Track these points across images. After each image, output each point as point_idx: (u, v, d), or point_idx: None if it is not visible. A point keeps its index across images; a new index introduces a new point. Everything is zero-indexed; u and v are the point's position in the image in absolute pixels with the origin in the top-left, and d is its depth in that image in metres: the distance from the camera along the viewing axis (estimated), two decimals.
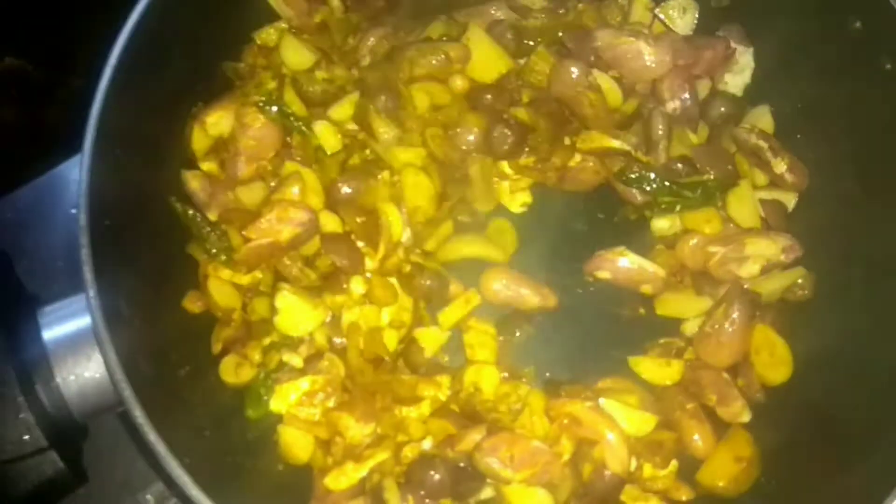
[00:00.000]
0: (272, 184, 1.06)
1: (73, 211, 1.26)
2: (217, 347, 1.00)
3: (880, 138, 1.01)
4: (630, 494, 0.97)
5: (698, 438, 0.99)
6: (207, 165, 1.06)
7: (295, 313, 1.00)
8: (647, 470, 0.99)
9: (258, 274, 1.04)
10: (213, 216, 1.04)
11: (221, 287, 1.02)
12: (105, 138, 0.88)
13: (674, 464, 0.99)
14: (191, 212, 1.02)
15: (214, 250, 1.02)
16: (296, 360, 1.00)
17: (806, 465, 0.96)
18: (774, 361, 1.02)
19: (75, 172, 1.28)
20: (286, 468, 0.97)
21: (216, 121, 1.06)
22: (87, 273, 0.82)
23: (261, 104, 1.05)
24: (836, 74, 1.05)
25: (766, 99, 1.15)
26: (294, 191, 1.02)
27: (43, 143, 1.37)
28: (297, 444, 0.97)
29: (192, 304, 1.01)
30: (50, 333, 0.87)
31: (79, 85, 1.44)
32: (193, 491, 0.76)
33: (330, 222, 1.04)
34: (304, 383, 0.97)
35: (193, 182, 1.04)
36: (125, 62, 0.90)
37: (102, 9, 1.25)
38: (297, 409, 0.97)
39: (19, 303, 0.89)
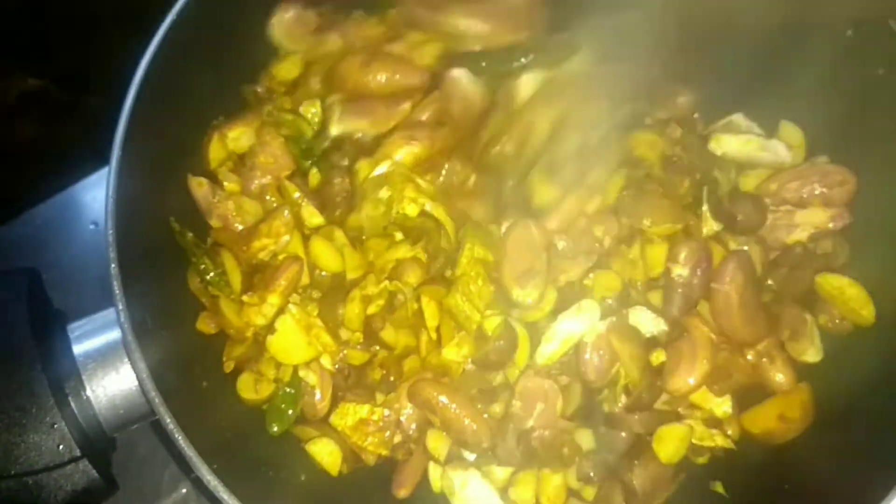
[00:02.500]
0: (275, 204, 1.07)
1: (92, 226, 1.31)
2: (229, 366, 1.01)
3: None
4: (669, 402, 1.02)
5: (781, 377, 1.02)
6: (230, 185, 1.08)
7: (289, 340, 0.99)
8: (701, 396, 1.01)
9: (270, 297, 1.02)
10: (214, 223, 1.05)
11: (232, 306, 1.01)
12: (130, 155, 0.91)
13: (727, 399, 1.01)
14: (190, 235, 1.03)
15: (209, 276, 1.02)
16: (311, 377, 1.01)
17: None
18: (852, 304, 1.02)
19: (93, 189, 1.34)
20: (308, 478, 1.00)
21: (237, 136, 1.08)
22: (117, 287, 0.85)
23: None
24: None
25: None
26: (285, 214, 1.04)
27: (61, 161, 1.41)
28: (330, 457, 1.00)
29: (205, 325, 1.01)
30: (80, 347, 0.90)
31: (96, 104, 1.48)
32: (224, 495, 0.79)
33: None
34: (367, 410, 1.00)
35: (198, 188, 1.05)
36: (151, 80, 0.93)
37: (119, 31, 1.30)
38: (353, 430, 1.00)
39: (50, 318, 0.92)
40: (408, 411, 1.02)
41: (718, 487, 1.02)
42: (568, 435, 1.01)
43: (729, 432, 1.02)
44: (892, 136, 1.02)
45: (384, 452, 1.01)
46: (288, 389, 1.01)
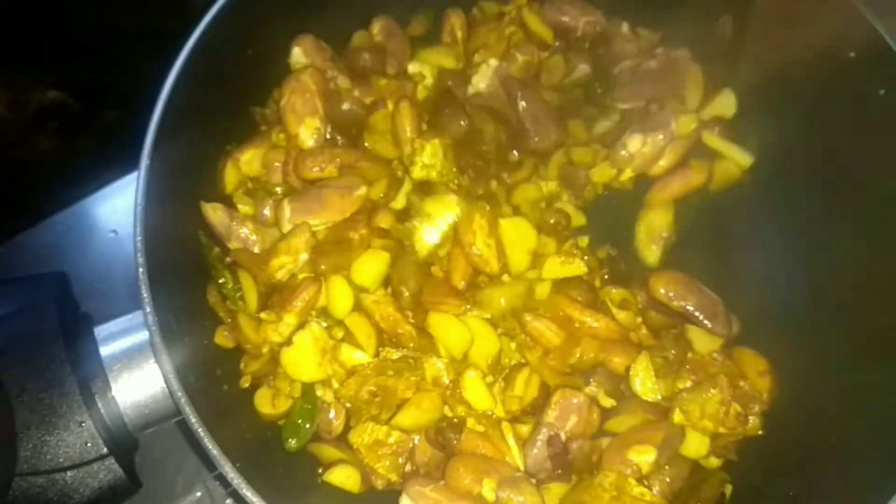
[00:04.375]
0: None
1: (111, 234, 1.34)
2: (246, 381, 1.03)
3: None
4: None
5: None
6: (244, 209, 1.11)
7: (302, 356, 1.01)
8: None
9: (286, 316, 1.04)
10: (232, 245, 1.08)
11: (250, 322, 1.03)
12: (158, 163, 0.94)
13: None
14: (216, 249, 1.06)
15: (228, 290, 1.04)
16: (328, 394, 1.04)
17: None
18: None
19: (111, 199, 1.37)
20: (322, 475, 1.02)
21: (249, 159, 1.12)
22: (145, 291, 0.88)
23: None
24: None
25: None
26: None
27: (79, 171, 1.44)
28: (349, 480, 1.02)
29: (223, 339, 1.03)
30: (106, 349, 0.93)
31: (114, 118, 1.53)
32: (248, 492, 0.81)
33: None
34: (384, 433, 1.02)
35: (213, 214, 1.08)
36: (181, 88, 0.97)
37: (138, 47, 1.33)
38: (368, 450, 1.02)
39: (77, 320, 0.95)
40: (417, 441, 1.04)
41: (727, 489, 1.04)
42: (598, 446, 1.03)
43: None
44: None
45: (394, 478, 1.02)
46: (305, 405, 1.03)
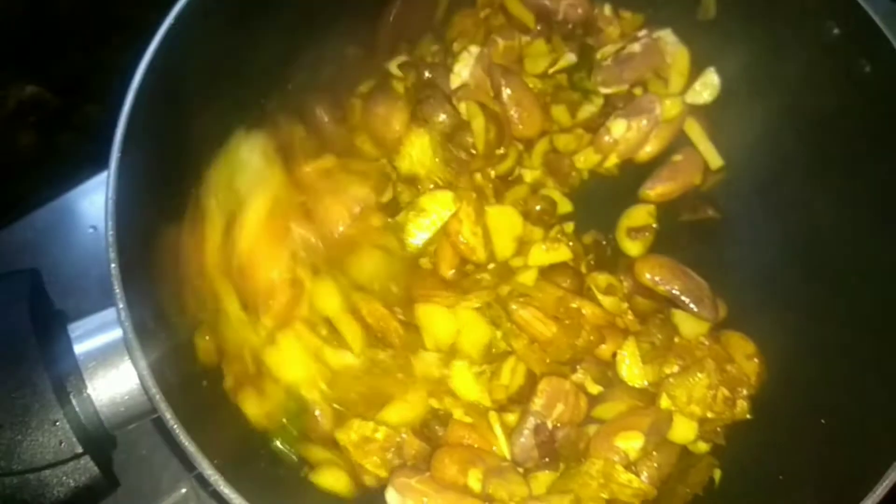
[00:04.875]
0: None
1: (91, 230, 1.32)
2: (229, 382, 1.00)
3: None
4: None
5: None
6: None
7: (287, 356, 0.99)
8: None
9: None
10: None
11: (230, 323, 1.00)
12: (129, 157, 0.92)
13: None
14: None
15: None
16: (314, 393, 1.01)
17: None
18: None
19: (91, 194, 1.35)
20: (308, 472, 1.01)
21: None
22: (117, 287, 0.86)
23: None
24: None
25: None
26: None
27: (60, 167, 1.43)
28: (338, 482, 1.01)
29: (202, 340, 0.99)
30: (80, 346, 0.91)
31: (93, 111, 1.50)
32: (226, 489, 0.80)
33: None
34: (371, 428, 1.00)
35: None
36: (149, 82, 0.94)
37: (117, 39, 1.32)
38: (355, 447, 1.00)
39: (51, 318, 0.93)
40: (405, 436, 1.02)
41: (716, 475, 1.03)
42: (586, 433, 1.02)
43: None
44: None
45: (383, 474, 1.01)
46: (290, 405, 1.01)
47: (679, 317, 1.08)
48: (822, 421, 0.98)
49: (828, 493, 0.91)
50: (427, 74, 1.20)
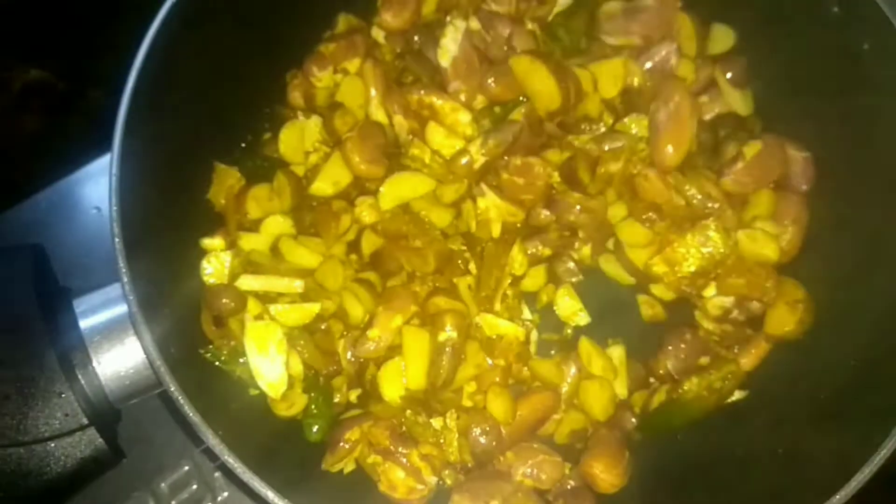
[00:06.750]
0: None
1: (95, 211, 1.33)
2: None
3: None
4: None
5: None
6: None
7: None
8: None
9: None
10: None
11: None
12: (131, 137, 0.93)
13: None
14: None
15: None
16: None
17: None
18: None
19: (95, 176, 1.36)
20: (311, 447, 1.02)
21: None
22: (121, 262, 0.87)
23: None
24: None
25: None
26: None
27: (64, 149, 1.44)
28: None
29: (208, 325, 1.01)
30: (86, 321, 0.92)
31: (97, 96, 1.52)
32: (230, 459, 0.81)
33: None
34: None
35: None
36: (148, 69, 0.95)
37: (121, 23, 1.31)
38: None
39: (56, 293, 0.94)
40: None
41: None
42: None
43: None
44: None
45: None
46: (316, 395, 1.02)
47: None
48: (822, 396, 0.99)
49: (860, 426, 0.92)
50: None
